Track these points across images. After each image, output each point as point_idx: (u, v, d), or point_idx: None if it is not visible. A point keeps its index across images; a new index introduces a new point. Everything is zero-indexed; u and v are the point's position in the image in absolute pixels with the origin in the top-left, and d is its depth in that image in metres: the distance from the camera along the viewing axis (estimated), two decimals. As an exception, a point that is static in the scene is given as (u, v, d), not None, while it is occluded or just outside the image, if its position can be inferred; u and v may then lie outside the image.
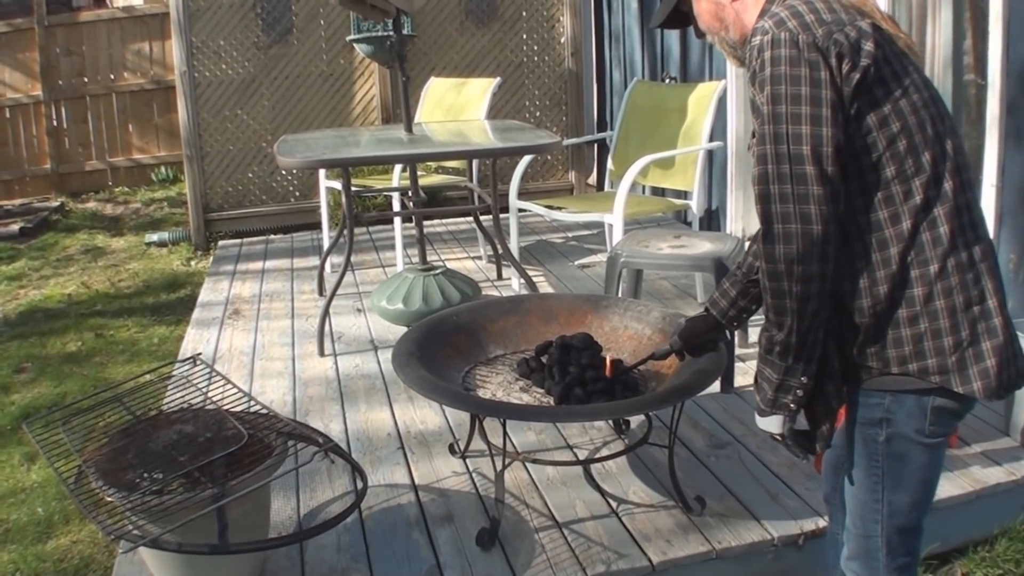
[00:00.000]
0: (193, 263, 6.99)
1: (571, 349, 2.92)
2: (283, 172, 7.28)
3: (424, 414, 3.67)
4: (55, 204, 9.07)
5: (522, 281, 4.67)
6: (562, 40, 7.47)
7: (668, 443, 2.88)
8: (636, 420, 3.48)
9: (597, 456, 3.23)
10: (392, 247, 5.95)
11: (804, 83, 1.70)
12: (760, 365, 1.91)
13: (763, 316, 1.87)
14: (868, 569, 1.99)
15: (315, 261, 5.98)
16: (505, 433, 2.81)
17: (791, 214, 1.72)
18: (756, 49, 1.77)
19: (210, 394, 2.77)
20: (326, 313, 4.45)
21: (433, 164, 6.24)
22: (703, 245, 3.87)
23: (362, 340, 4.57)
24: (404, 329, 4.23)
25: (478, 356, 3.12)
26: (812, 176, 1.70)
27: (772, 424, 1.93)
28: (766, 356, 1.87)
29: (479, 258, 5.94)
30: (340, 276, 4.47)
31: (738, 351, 4.03)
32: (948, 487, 2.91)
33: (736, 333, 3.89)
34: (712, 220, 6.15)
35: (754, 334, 4.28)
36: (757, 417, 1.97)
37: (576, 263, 5.78)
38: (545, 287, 5.14)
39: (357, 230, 6.78)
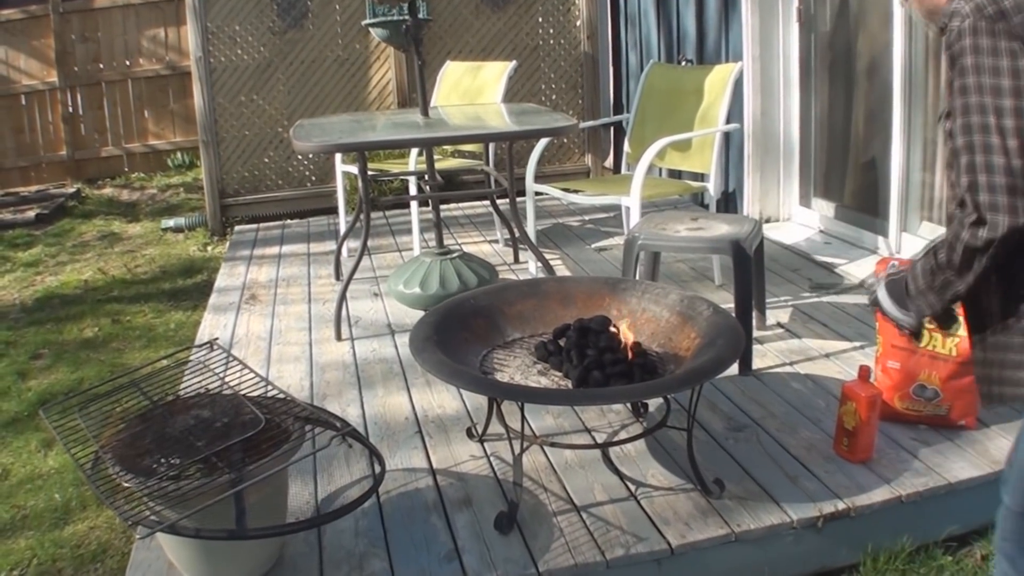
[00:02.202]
0: (209, 248, 6.99)
1: (589, 332, 2.91)
2: (299, 157, 7.27)
3: (442, 398, 3.67)
4: (71, 190, 9.09)
5: (539, 264, 4.65)
6: (578, 23, 7.43)
7: (687, 426, 2.86)
8: (654, 403, 3.46)
9: (615, 439, 3.21)
10: (409, 231, 5.94)
11: (1005, 75, 1.69)
12: (923, 278, 1.93)
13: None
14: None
15: (332, 246, 5.97)
16: (523, 417, 2.80)
17: (999, 204, 1.70)
18: (955, 34, 1.75)
19: (227, 379, 2.76)
20: (343, 298, 4.44)
21: (449, 148, 6.22)
22: (720, 227, 3.85)
23: (379, 324, 4.56)
24: (421, 313, 4.22)
25: (495, 340, 3.11)
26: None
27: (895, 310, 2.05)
28: (932, 281, 1.89)
29: (496, 242, 5.93)
30: (357, 260, 4.46)
31: (756, 333, 4.01)
32: (967, 468, 2.89)
33: (754, 315, 3.87)
34: (729, 202, 6.12)
35: (772, 316, 4.26)
36: (883, 293, 2.08)
37: (593, 246, 5.75)
38: (562, 270, 5.13)
39: (373, 214, 6.78)
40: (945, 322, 2.07)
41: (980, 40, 1.71)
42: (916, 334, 2.08)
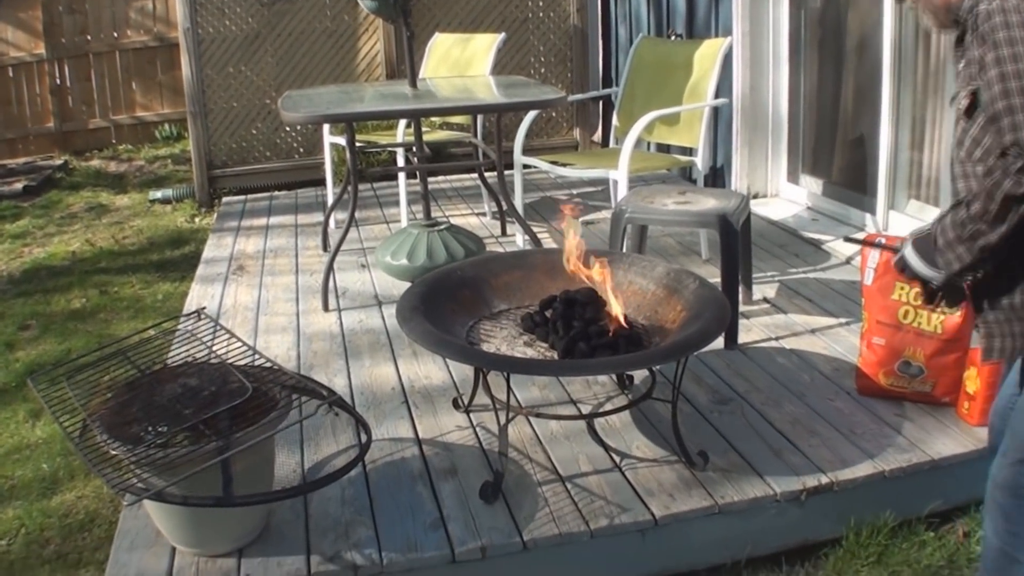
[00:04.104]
0: (197, 220, 6.97)
1: (575, 304, 2.92)
2: (287, 128, 7.24)
3: (428, 369, 3.67)
4: (59, 162, 9.04)
5: (526, 237, 4.65)
6: (567, -5, 7.41)
7: (671, 398, 2.88)
8: (640, 375, 3.47)
9: (601, 411, 3.23)
10: (396, 203, 5.93)
11: None
12: (953, 230, 1.96)
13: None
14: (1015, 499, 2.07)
15: (319, 217, 5.96)
16: (509, 388, 2.81)
17: None
18: (985, 14, 1.84)
19: (215, 348, 2.76)
20: (330, 269, 4.43)
21: (438, 120, 6.20)
22: (708, 202, 3.85)
23: (366, 295, 4.57)
24: (408, 285, 4.22)
25: (482, 311, 3.12)
26: None
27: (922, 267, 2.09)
28: (962, 232, 1.94)
29: (483, 214, 5.92)
30: (344, 232, 4.46)
31: (743, 308, 4.01)
32: (951, 445, 2.91)
33: (740, 289, 3.88)
34: (717, 177, 6.11)
35: (758, 291, 4.27)
36: (909, 250, 2.11)
37: (581, 219, 5.75)
38: (549, 243, 5.13)
39: (361, 186, 6.74)
40: (952, 297, 2.12)
41: (1011, 17, 1.80)
42: (938, 295, 2.13)
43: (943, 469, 2.86)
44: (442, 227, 4.66)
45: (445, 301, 3.02)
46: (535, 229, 4.82)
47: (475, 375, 3.22)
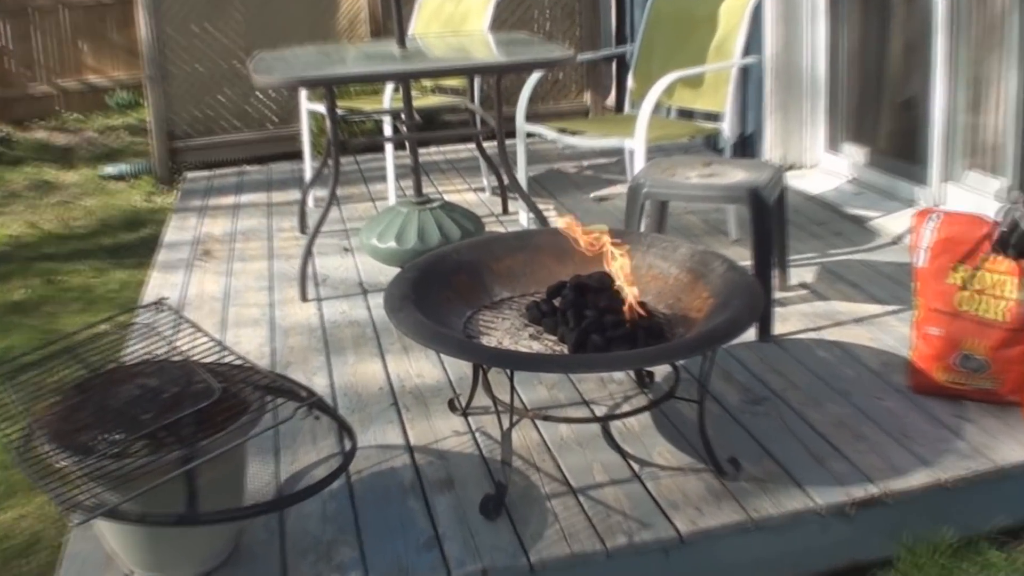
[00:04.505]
0: (156, 198, 6.95)
1: (588, 291, 2.90)
2: (259, 94, 7.23)
3: (420, 366, 3.66)
4: (-2, 133, 9.04)
5: (531, 215, 4.63)
6: (575, -59, 7.39)
7: (698, 398, 2.86)
8: (661, 372, 3.46)
9: (617, 413, 3.21)
10: (383, 178, 5.90)
11: None
12: None
13: None
14: None
15: (296, 195, 5.94)
16: (513, 387, 2.79)
17: None
18: None
19: (177, 344, 2.74)
20: (308, 253, 4.42)
21: (429, 83, 6.18)
22: (737, 174, 3.83)
23: (350, 283, 4.56)
24: (397, 270, 4.20)
25: (482, 299, 3.11)
26: None
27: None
28: None
29: (482, 190, 5.91)
30: (324, 211, 4.44)
31: (777, 294, 4.00)
32: (1019, 450, 2.88)
33: (775, 273, 3.86)
34: (747, 147, 6.10)
35: (795, 275, 4.25)
36: None
37: (592, 195, 5.74)
38: (557, 222, 5.11)
39: (344, 159, 6.73)
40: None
41: None
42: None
43: (1011, 479, 2.83)
44: (435, 205, 4.63)
45: (439, 288, 3.01)
46: (541, 206, 4.80)
47: (474, 373, 3.20)
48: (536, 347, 2.82)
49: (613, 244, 2.97)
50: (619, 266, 2.92)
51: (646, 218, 4.02)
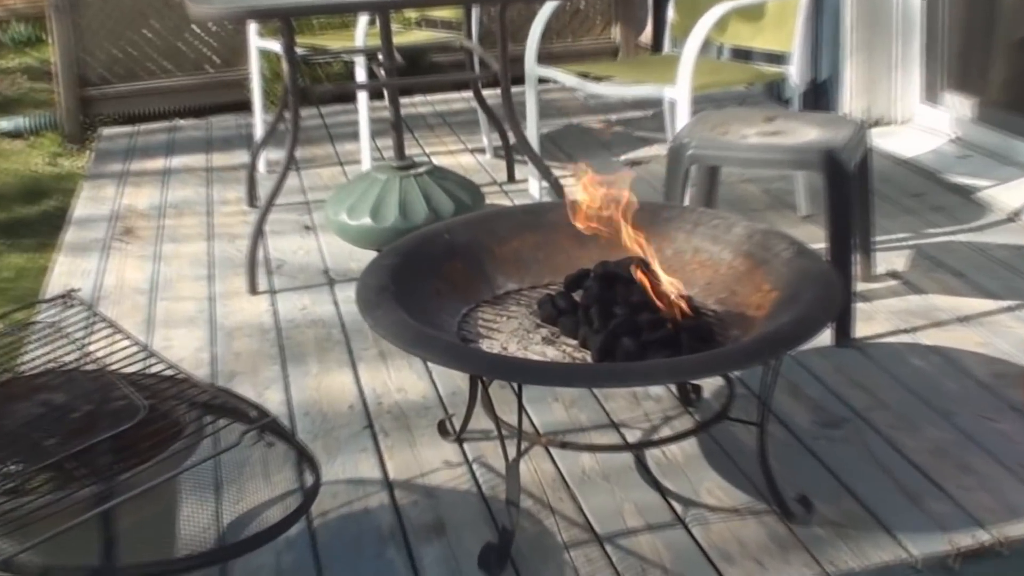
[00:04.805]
0: (63, 161, 6.97)
1: (617, 281, 2.90)
2: (195, 28, 7.23)
3: (402, 378, 3.67)
4: None
5: (544, 184, 4.63)
6: None
7: (758, 419, 2.85)
8: (711, 386, 3.46)
9: (655, 438, 3.22)
10: (355, 136, 5.91)
11: None
12: None
13: None
14: None
15: (243, 157, 5.95)
16: (521, 405, 2.78)
17: None
18: None
19: (90, 348, 2.74)
20: (259, 232, 4.43)
21: (414, 14, 6.18)
22: (807, 132, 3.83)
23: (312, 270, 4.58)
24: (373, 254, 4.20)
25: (481, 293, 3.11)
26: None
27: None
28: None
29: (482, 151, 5.92)
30: (280, 178, 4.45)
31: (859, 286, 3.99)
32: None
33: (857, 259, 3.86)
34: (820, 97, 6.10)
35: (882, 262, 4.25)
36: None
37: (623, 158, 5.74)
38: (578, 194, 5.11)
39: (305, 112, 6.73)
40: None
41: None
42: None
43: None
44: (421, 171, 4.64)
45: (427, 279, 3.01)
46: (558, 173, 4.80)
47: (471, 387, 3.19)
48: (551, 354, 2.81)
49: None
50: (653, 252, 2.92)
51: (692, 188, 4.02)
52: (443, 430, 3.32)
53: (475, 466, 3.16)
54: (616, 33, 7.68)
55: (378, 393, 3.59)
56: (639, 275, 2.89)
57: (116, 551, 2.29)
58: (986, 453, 3.07)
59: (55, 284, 4.57)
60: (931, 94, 5.77)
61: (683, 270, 3.05)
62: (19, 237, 5.79)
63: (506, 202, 5.11)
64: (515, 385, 2.79)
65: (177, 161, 6.13)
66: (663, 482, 3.03)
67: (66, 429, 2.44)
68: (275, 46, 5.38)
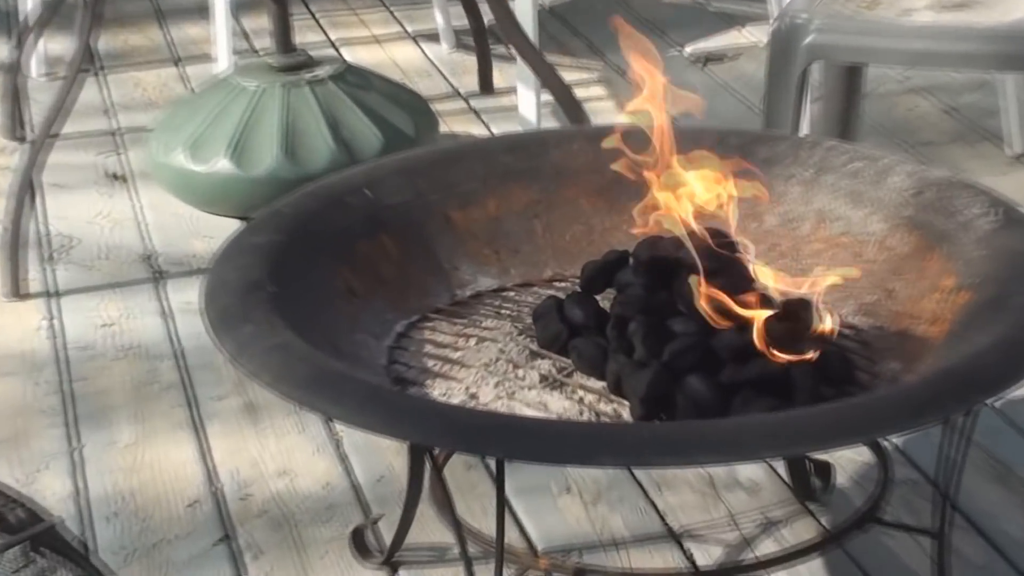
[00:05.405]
0: None
1: (676, 275, 2.88)
2: None
3: (288, 451, 3.67)
4: None
5: (545, 95, 4.64)
6: None
7: (934, 525, 2.84)
8: (849, 463, 3.46)
9: (746, 560, 3.22)
10: (203, 11, 5.94)
11: None
12: None
13: None
14: None
15: (0, 50, 5.97)
16: (503, 500, 2.76)
17: None
18: None
19: None
20: (28, 186, 4.41)
21: None
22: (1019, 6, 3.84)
23: (124, 255, 4.60)
24: (234, 224, 4.20)
25: (430, 294, 3.11)
26: None
27: None
28: None
29: (434, 37, 5.94)
30: (64, 89, 4.44)
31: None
32: None
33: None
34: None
35: None
36: None
37: (688, 50, 5.76)
38: (606, 112, 5.12)
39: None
40: None
41: None
42: None
43: None
44: (323, 74, 4.65)
45: (332, 269, 3.00)
46: (573, 75, 4.82)
47: (411, 468, 3.18)
48: (556, 405, 2.80)
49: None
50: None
51: (814, 104, 4.03)
52: (361, 545, 3.31)
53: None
54: None
55: (243, 479, 3.59)
56: (717, 263, 2.89)
57: None
58: None
59: None
60: None
61: (797, 253, 3.04)
62: None
63: (478, 130, 5.11)
64: (493, 464, 2.77)
65: None
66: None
67: None
68: None
